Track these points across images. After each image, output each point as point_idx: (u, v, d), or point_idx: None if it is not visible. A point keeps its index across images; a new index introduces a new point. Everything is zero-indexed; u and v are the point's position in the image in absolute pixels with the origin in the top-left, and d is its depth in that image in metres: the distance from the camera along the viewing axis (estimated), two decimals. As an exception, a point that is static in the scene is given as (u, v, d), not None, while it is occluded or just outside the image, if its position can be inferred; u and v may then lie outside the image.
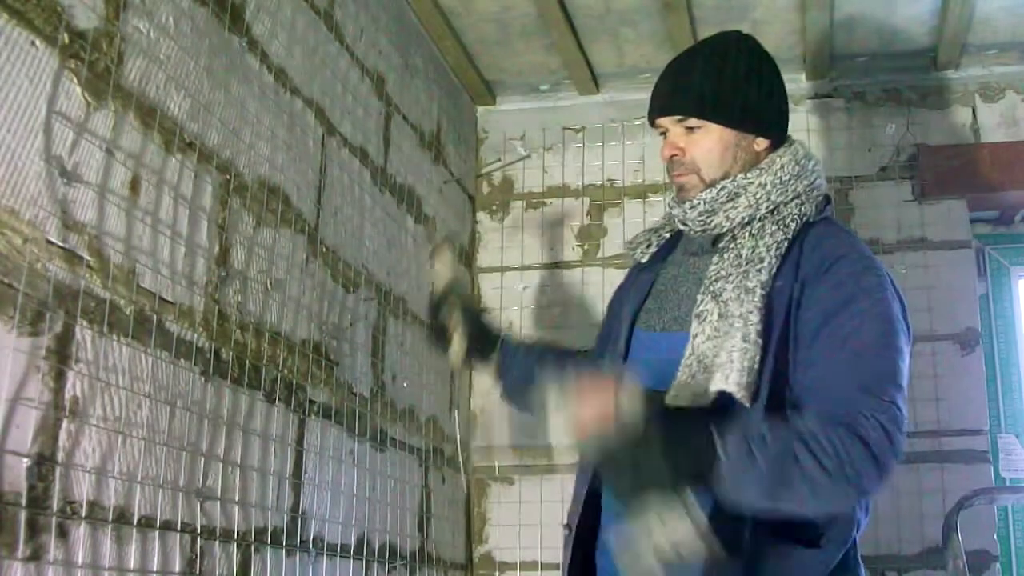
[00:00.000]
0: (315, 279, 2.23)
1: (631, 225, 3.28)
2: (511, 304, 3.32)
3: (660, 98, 1.73)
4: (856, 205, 3.16)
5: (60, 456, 1.40)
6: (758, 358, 1.52)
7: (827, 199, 1.75)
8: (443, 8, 2.94)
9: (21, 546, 1.31)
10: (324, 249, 2.28)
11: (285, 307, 2.08)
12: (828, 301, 1.55)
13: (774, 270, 1.58)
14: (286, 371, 2.06)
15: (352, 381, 2.38)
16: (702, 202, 1.68)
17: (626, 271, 1.96)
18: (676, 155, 1.70)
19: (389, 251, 2.66)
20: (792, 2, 2.89)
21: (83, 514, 1.43)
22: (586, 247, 3.33)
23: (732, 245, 1.65)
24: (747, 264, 1.60)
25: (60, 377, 1.41)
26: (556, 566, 1.93)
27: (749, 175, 1.67)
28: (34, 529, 1.34)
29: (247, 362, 1.91)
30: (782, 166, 1.68)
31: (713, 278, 1.62)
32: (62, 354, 1.41)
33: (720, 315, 1.57)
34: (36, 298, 1.36)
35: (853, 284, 1.56)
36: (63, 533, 1.39)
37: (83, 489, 1.44)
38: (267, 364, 1.99)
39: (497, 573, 3.15)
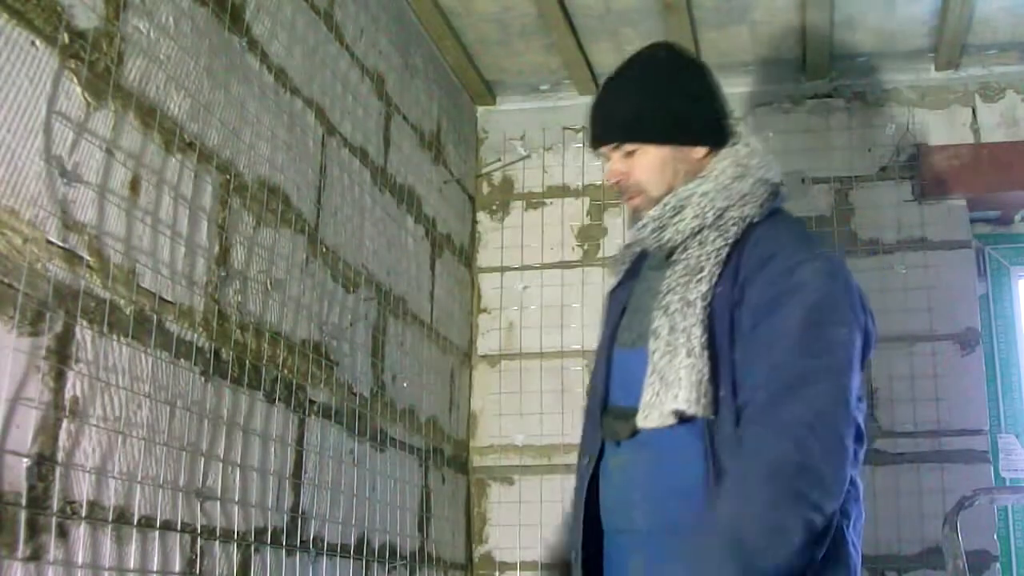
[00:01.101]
0: (315, 279, 2.23)
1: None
2: (511, 304, 3.32)
3: (593, 127, 1.77)
4: (856, 205, 3.16)
5: (60, 456, 1.40)
6: (707, 370, 1.54)
7: (775, 192, 1.72)
8: (443, 8, 2.94)
9: (21, 546, 1.31)
10: (324, 249, 2.28)
11: (285, 307, 2.07)
12: (759, 301, 1.57)
13: (715, 279, 1.60)
14: (286, 371, 2.06)
15: (352, 381, 2.38)
16: (651, 220, 1.70)
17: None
18: (620, 180, 1.73)
19: (389, 251, 2.66)
20: (792, 2, 2.89)
21: (83, 514, 1.43)
22: (586, 247, 3.33)
23: (682, 257, 1.67)
24: (690, 275, 1.62)
25: (60, 377, 1.41)
26: (556, 566, 1.93)
27: (690, 185, 1.69)
28: (34, 529, 1.34)
29: (247, 362, 1.91)
30: (722, 171, 1.69)
31: (664, 292, 1.64)
32: (62, 354, 1.41)
33: (671, 328, 1.59)
34: (36, 298, 1.36)
35: (783, 281, 1.56)
36: (63, 533, 1.39)
37: (83, 489, 1.44)
38: (267, 364, 1.99)
39: (497, 573, 3.15)
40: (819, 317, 1.53)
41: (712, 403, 1.55)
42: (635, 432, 1.64)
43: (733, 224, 1.65)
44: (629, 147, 1.71)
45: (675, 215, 1.68)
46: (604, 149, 1.75)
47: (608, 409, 1.74)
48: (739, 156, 1.71)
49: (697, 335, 1.56)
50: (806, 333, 1.51)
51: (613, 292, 1.89)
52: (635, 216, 1.77)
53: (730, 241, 1.63)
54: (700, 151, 1.72)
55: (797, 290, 1.54)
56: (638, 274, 1.83)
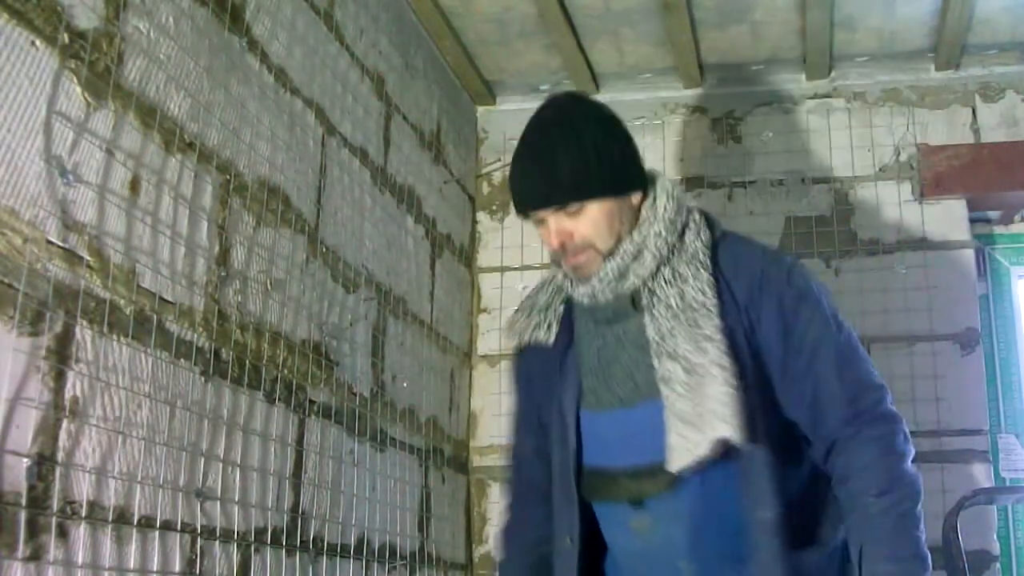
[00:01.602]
0: (315, 279, 2.22)
1: (631, 225, 3.28)
2: (511, 304, 3.31)
3: (531, 191, 1.68)
4: (856, 205, 3.16)
5: (60, 456, 1.40)
6: (743, 399, 1.55)
7: (701, 212, 1.76)
8: (443, 8, 2.93)
9: (21, 546, 1.31)
10: (324, 249, 2.28)
11: (285, 307, 2.07)
12: (785, 323, 1.64)
13: (719, 309, 1.61)
14: (286, 371, 2.06)
15: (352, 381, 2.38)
16: (610, 271, 1.67)
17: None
18: (565, 241, 1.66)
19: (389, 251, 2.66)
20: (792, 2, 2.89)
21: (83, 514, 1.43)
22: (586, 247, 3.33)
23: (654, 300, 1.66)
24: (687, 312, 1.61)
25: (60, 377, 1.41)
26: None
27: (642, 230, 1.68)
28: (34, 529, 1.34)
29: (247, 362, 1.91)
30: (664, 208, 1.69)
31: (659, 339, 1.63)
32: (62, 354, 1.41)
33: (686, 371, 1.58)
34: (36, 298, 1.36)
35: (789, 296, 1.66)
36: (63, 533, 1.39)
37: (83, 489, 1.44)
38: (267, 364, 1.99)
39: (497, 573, 3.14)
40: (838, 319, 1.68)
41: (751, 432, 1.56)
42: (668, 485, 1.61)
43: (702, 254, 1.66)
44: (575, 206, 1.65)
45: (634, 260, 1.67)
46: (543, 213, 1.67)
47: (595, 474, 1.71)
48: (668, 190, 1.73)
49: (727, 365, 1.56)
50: (845, 338, 1.67)
51: (541, 354, 1.81)
52: (579, 275, 1.70)
53: (711, 271, 1.65)
54: (637, 196, 1.71)
55: (806, 299, 1.67)
56: (574, 333, 1.77)
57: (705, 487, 1.61)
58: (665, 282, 1.65)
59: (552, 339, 1.78)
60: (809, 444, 1.66)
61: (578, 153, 1.64)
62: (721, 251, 1.70)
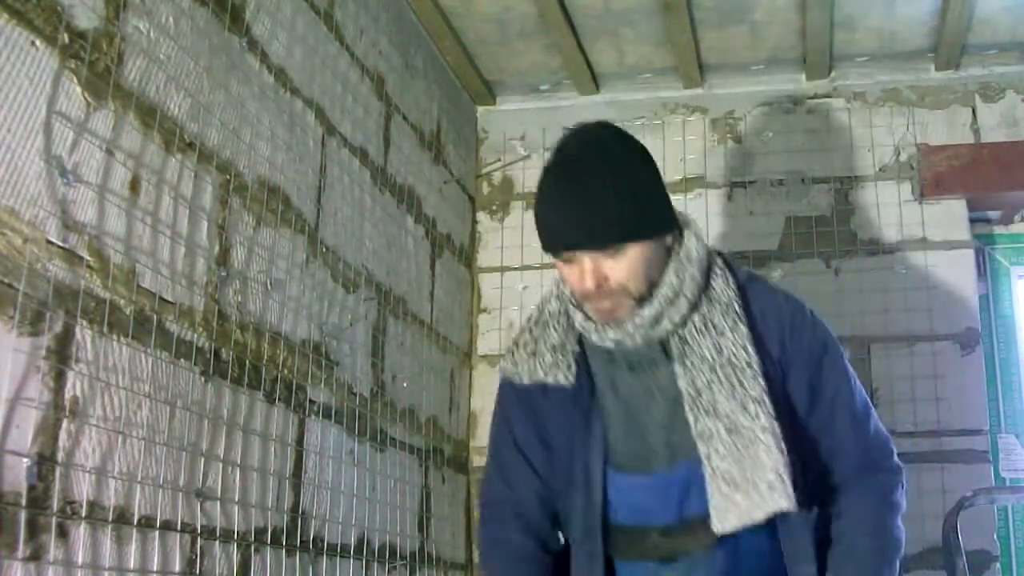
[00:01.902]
0: (315, 279, 2.22)
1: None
2: (511, 304, 3.32)
3: (570, 230, 1.53)
4: (856, 205, 3.16)
5: (60, 456, 1.40)
6: (792, 466, 1.54)
7: (719, 254, 1.70)
8: (443, 8, 2.93)
9: (21, 546, 1.31)
10: (324, 249, 2.28)
11: (285, 307, 2.07)
12: (805, 372, 1.64)
13: (762, 367, 1.58)
14: (286, 371, 2.06)
15: (352, 381, 2.38)
16: (647, 317, 1.57)
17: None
18: (601, 285, 1.53)
19: (389, 251, 2.66)
20: (792, 2, 2.89)
21: (83, 514, 1.43)
22: (586, 247, 3.32)
23: (687, 348, 1.58)
24: (726, 369, 1.56)
25: (60, 377, 1.41)
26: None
27: (678, 273, 1.58)
28: (34, 529, 1.34)
29: (247, 362, 1.91)
30: (695, 250, 1.61)
31: (694, 392, 1.57)
32: (62, 354, 1.41)
33: (729, 430, 1.54)
34: (36, 298, 1.36)
35: (818, 350, 1.66)
36: (63, 533, 1.39)
37: (83, 489, 1.44)
38: (267, 364, 1.99)
39: None
40: (851, 370, 1.69)
41: (803, 495, 1.56)
42: (705, 543, 1.59)
43: (736, 305, 1.60)
44: (615, 248, 1.52)
45: (670, 305, 1.57)
46: (580, 253, 1.53)
47: (623, 532, 1.66)
48: (694, 229, 1.65)
49: (777, 431, 1.53)
50: (859, 390, 1.69)
51: (554, 396, 1.69)
52: (608, 320, 1.58)
53: (745, 321, 1.59)
54: (671, 237, 1.61)
55: (830, 352, 1.67)
56: (592, 378, 1.67)
57: (740, 543, 1.59)
58: (696, 331, 1.58)
59: (571, 381, 1.66)
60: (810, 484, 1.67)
61: (623, 192, 1.52)
62: (750, 299, 1.64)
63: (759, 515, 1.53)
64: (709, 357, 1.57)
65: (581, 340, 1.67)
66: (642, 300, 1.56)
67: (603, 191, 1.51)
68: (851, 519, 1.62)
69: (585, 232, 1.52)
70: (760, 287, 1.70)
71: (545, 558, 1.73)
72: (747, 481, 1.53)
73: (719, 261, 1.67)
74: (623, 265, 1.53)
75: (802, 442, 1.63)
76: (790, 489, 1.52)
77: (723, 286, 1.62)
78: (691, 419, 1.57)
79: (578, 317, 1.64)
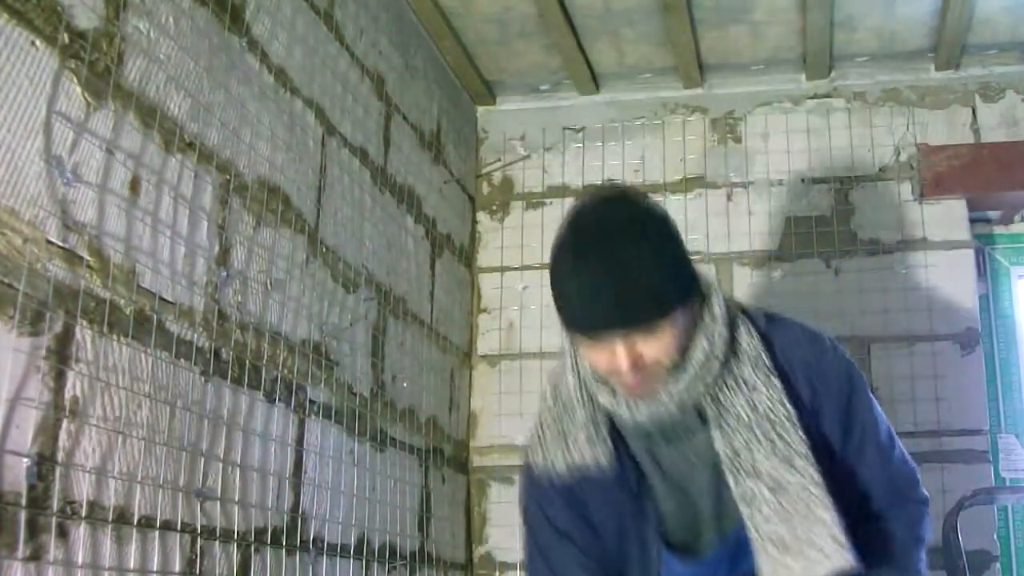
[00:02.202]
0: (315, 279, 2.22)
1: (631, 225, 3.28)
2: (511, 304, 3.32)
3: (603, 311, 1.40)
4: (856, 205, 3.16)
5: (60, 456, 1.40)
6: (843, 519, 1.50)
7: (734, 302, 1.62)
8: (443, 8, 2.94)
9: (21, 546, 1.31)
10: (324, 249, 2.28)
11: (285, 307, 2.07)
12: (837, 412, 1.59)
13: (800, 420, 1.52)
14: (286, 371, 2.06)
15: (352, 381, 2.38)
16: (681, 387, 1.48)
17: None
18: (637, 362, 1.43)
19: (389, 251, 2.66)
20: (792, 2, 2.89)
21: (83, 514, 1.43)
22: (586, 247, 3.32)
23: (721, 409, 1.52)
24: (764, 425, 1.50)
25: (60, 377, 1.41)
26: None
27: (707, 336, 1.50)
28: (34, 529, 1.34)
29: (247, 362, 1.91)
30: (718, 306, 1.53)
31: (732, 454, 1.50)
32: (62, 354, 1.41)
33: (773, 490, 1.49)
34: (36, 298, 1.36)
35: (846, 386, 1.60)
36: (63, 533, 1.39)
37: (83, 489, 1.44)
38: (267, 364, 1.99)
39: (497, 573, 3.15)
40: (875, 401, 1.65)
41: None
42: None
43: (765, 357, 1.53)
44: (650, 325, 1.42)
45: (704, 369, 1.49)
46: (616, 334, 1.42)
47: None
48: (716, 286, 1.56)
49: (823, 483, 1.48)
50: (885, 422, 1.65)
51: (593, 480, 1.59)
52: (641, 396, 1.49)
53: (776, 372, 1.53)
54: (699, 300, 1.51)
55: (856, 387, 1.61)
56: (630, 454, 1.60)
57: None
58: (729, 389, 1.51)
59: (611, 462, 1.57)
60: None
61: (654, 265, 1.41)
62: (774, 346, 1.57)
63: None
64: (744, 416, 1.50)
65: (609, 415, 1.57)
66: (678, 368, 1.47)
67: (633, 266, 1.39)
68: (877, 553, 1.56)
69: (619, 314, 1.39)
70: (780, 331, 1.61)
71: None
72: (799, 541, 1.46)
73: (738, 311, 1.59)
74: (658, 341, 1.42)
75: (834, 480, 1.56)
76: (850, 546, 1.46)
77: (748, 339, 1.54)
78: (731, 482, 1.51)
79: (603, 395, 1.54)
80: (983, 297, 3.17)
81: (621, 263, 1.39)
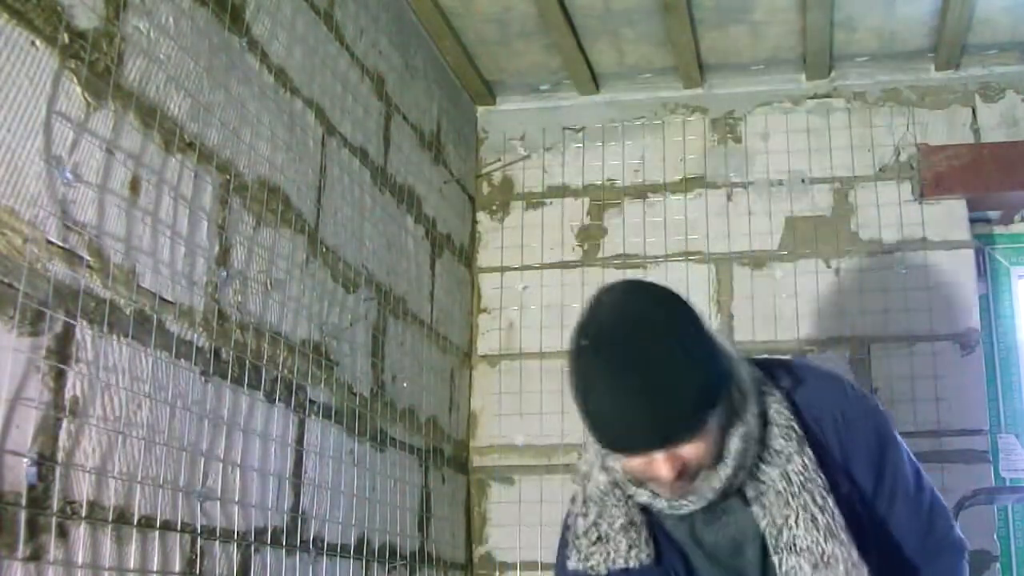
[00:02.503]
0: (315, 279, 2.22)
1: (631, 225, 3.29)
2: (511, 304, 3.32)
3: (645, 433, 1.33)
4: (856, 205, 3.16)
5: (60, 456, 1.40)
6: None
7: (753, 365, 1.55)
8: (443, 8, 2.94)
9: (21, 546, 1.30)
10: (324, 249, 2.28)
11: (285, 307, 2.07)
12: (868, 465, 1.55)
13: (829, 485, 1.47)
14: (286, 371, 2.06)
15: (352, 381, 2.38)
16: (724, 480, 1.42)
17: None
18: (682, 470, 1.36)
19: (389, 251, 2.66)
20: (792, 2, 2.89)
21: (83, 514, 1.43)
22: (586, 247, 3.33)
23: (760, 487, 1.47)
24: (799, 498, 1.45)
25: (60, 377, 1.41)
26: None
27: (747, 425, 1.43)
28: (34, 529, 1.34)
29: (247, 362, 1.91)
30: (746, 379, 1.47)
31: (775, 531, 1.45)
32: (62, 354, 1.41)
33: (815, 566, 1.44)
34: (36, 298, 1.36)
35: (876, 437, 1.56)
36: (63, 533, 1.39)
37: (83, 489, 1.44)
38: (267, 364, 1.99)
39: (497, 573, 3.15)
40: (905, 446, 1.62)
41: None
42: None
43: (795, 424, 1.48)
44: (697, 433, 1.35)
45: (744, 456, 1.43)
46: (665, 449, 1.34)
47: None
48: (739, 358, 1.49)
49: (863, 563, 1.44)
50: (915, 466, 1.61)
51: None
52: (680, 497, 1.43)
53: (804, 437, 1.48)
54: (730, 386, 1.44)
55: (886, 437, 1.57)
56: (672, 543, 1.55)
57: None
58: (764, 463, 1.46)
59: (653, 560, 1.52)
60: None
61: (690, 372, 1.33)
62: (800, 408, 1.51)
63: None
64: (783, 490, 1.45)
65: (646, 509, 1.52)
66: (714, 461, 1.40)
67: (670, 379, 1.31)
68: None
69: (660, 433, 1.32)
70: (804, 390, 1.55)
71: None
72: None
73: (760, 375, 1.51)
74: (702, 445, 1.35)
75: (867, 530, 1.53)
76: None
77: (778, 408, 1.48)
78: (776, 561, 1.46)
79: (641, 495, 1.47)
80: (983, 297, 3.17)
81: (656, 376, 1.31)
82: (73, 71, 1.47)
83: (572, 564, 1.55)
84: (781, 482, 1.45)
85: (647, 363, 1.31)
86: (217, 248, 1.85)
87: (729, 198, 3.25)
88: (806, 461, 1.46)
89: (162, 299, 1.66)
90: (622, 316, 1.37)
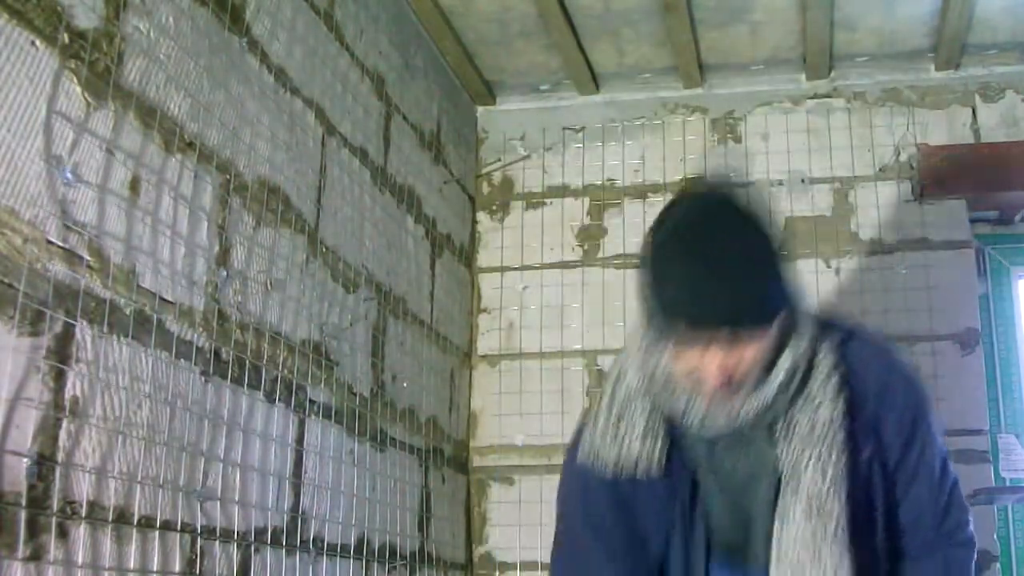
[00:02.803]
0: (315, 279, 2.23)
1: (631, 225, 3.29)
2: (511, 304, 3.32)
3: (716, 307, 1.30)
4: (856, 205, 3.16)
5: (60, 456, 1.40)
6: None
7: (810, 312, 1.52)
8: (443, 8, 2.94)
9: (21, 546, 1.31)
10: (324, 249, 2.28)
11: (285, 307, 2.08)
12: (898, 439, 1.55)
13: (847, 455, 1.46)
14: (286, 371, 2.06)
15: (352, 381, 2.38)
16: (758, 406, 1.41)
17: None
18: (731, 374, 1.34)
19: (389, 251, 2.66)
20: (792, 2, 2.89)
21: (83, 514, 1.43)
22: (586, 247, 3.33)
23: (789, 425, 1.45)
24: (817, 447, 1.44)
25: (60, 377, 1.41)
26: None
27: (794, 354, 1.41)
28: (34, 529, 1.34)
29: (247, 362, 1.91)
30: (808, 321, 1.45)
31: (790, 471, 1.45)
32: (62, 354, 1.41)
33: (807, 513, 1.44)
34: (36, 298, 1.36)
35: (911, 411, 1.55)
36: (63, 533, 1.39)
37: (83, 489, 1.44)
38: (267, 364, 1.99)
39: (497, 573, 3.15)
40: (939, 439, 1.62)
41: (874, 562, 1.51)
42: None
43: (831, 373, 1.46)
44: (752, 331, 1.33)
45: (785, 390, 1.42)
46: (717, 334, 1.31)
47: None
48: (805, 296, 1.47)
49: (847, 534, 1.44)
50: (943, 457, 1.62)
51: (644, 483, 1.51)
52: (719, 405, 1.41)
53: (845, 392, 1.46)
54: (792, 310, 1.41)
55: (920, 410, 1.57)
56: (685, 461, 1.53)
57: None
58: (797, 404, 1.44)
59: (662, 475, 1.50)
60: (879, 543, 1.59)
61: (767, 268, 1.34)
62: (849, 364, 1.49)
63: None
64: (805, 434, 1.44)
65: (669, 420, 1.49)
66: (757, 381, 1.39)
67: (746, 265, 1.31)
68: None
69: (729, 309, 1.30)
70: (856, 348, 1.53)
71: None
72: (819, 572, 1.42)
73: (821, 325, 1.50)
74: (753, 352, 1.33)
75: (876, 502, 1.53)
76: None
77: (825, 352, 1.47)
78: (780, 502, 1.47)
79: (672, 401, 1.45)
80: (983, 297, 3.17)
81: (733, 261, 1.30)
82: (73, 71, 1.47)
83: (582, 451, 1.54)
84: (807, 426, 1.44)
85: (724, 250, 1.31)
86: (217, 248, 1.85)
87: (729, 198, 3.25)
88: (834, 414, 1.44)
89: (162, 299, 1.66)
90: (709, 207, 1.37)
